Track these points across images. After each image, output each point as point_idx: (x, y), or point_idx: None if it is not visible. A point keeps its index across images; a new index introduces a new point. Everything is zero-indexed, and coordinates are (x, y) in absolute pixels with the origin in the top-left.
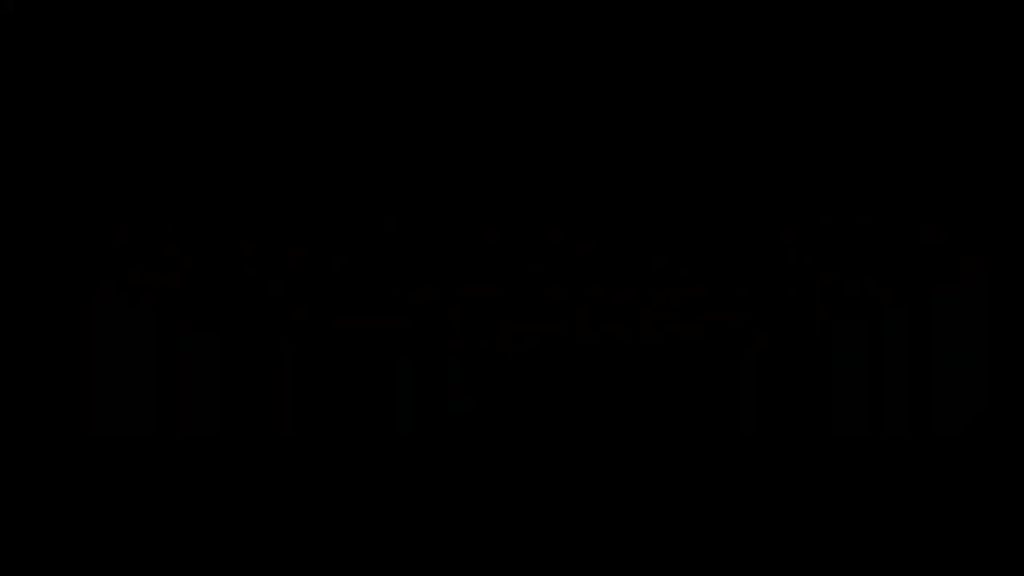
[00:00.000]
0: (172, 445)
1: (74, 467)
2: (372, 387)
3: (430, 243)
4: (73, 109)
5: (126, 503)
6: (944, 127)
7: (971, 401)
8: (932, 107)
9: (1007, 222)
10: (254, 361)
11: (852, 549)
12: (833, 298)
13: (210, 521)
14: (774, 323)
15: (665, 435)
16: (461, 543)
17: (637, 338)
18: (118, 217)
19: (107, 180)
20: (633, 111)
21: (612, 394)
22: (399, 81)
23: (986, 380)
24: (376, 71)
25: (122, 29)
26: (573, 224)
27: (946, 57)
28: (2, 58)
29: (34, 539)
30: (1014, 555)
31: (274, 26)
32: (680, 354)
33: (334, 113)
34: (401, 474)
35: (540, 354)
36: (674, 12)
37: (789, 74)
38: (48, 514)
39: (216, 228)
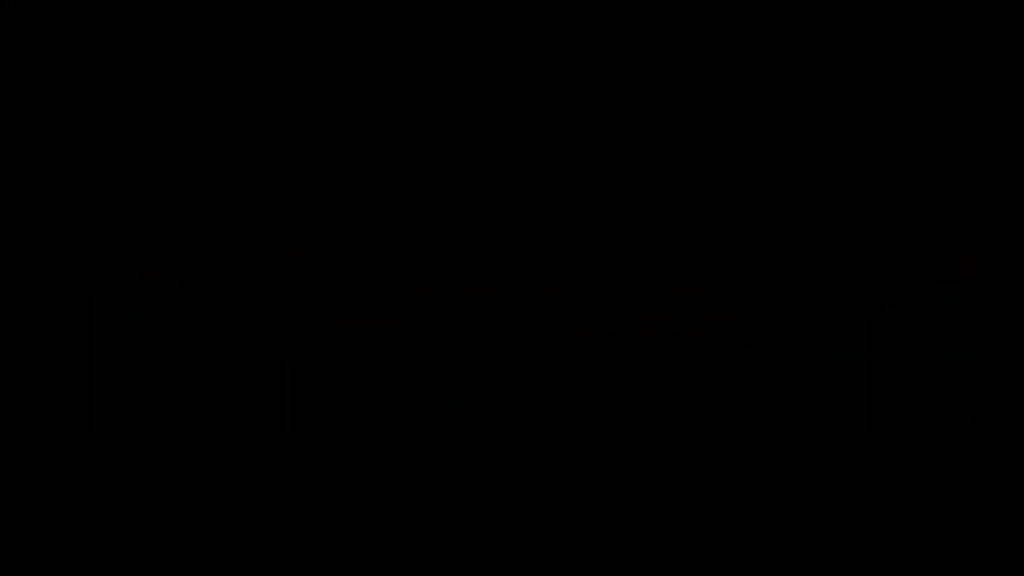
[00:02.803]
0: (172, 445)
1: (74, 467)
2: (372, 387)
3: (430, 243)
4: (73, 109)
5: (126, 503)
6: (944, 127)
7: (971, 401)
8: (932, 107)
9: (1007, 222)
10: (254, 361)
11: (852, 549)
12: (833, 298)
13: (210, 521)
14: (774, 323)
15: (665, 435)
16: (461, 543)
17: (637, 338)
18: (118, 217)
19: (107, 180)
20: (633, 111)
21: (612, 394)
22: (399, 81)
23: (986, 380)
24: (376, 71)
25: (122, 29)
26: (573, 224)
27: (946, 57)
28: (2, 58)
29: (34, 539)
30: (1014, 555)
31: (274, 26)
32: (680, 354)
33: (334, 113)
34: (401, 474)
35: (540, 354)
36: (674, 12)
37: (789, 74)
38: (48, 514)
39: (216, 228)
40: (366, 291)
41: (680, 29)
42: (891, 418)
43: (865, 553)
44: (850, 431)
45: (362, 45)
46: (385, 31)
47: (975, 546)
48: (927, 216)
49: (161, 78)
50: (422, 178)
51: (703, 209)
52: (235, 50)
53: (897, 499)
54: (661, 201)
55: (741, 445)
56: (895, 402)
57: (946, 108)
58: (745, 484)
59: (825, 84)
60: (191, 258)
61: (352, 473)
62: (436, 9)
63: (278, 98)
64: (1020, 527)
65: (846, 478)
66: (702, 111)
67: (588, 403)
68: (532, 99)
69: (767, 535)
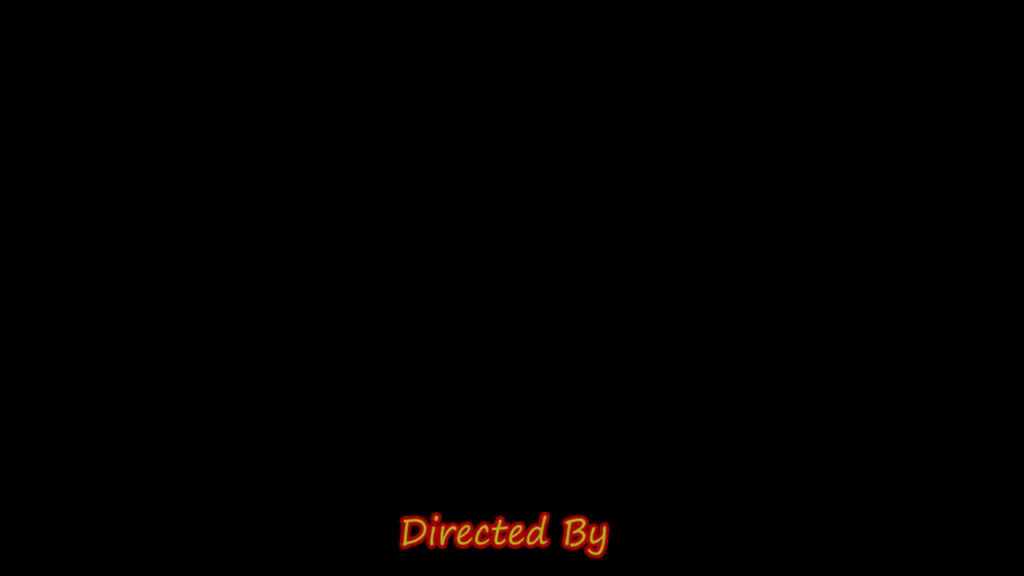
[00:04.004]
0: (172, 445)
1: (74, 467)
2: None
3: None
4: (72, 109)
5: (126, 503)
6: (943, 126)
7: (971, 401)
8: (931, 106)
9: (1007, 222)
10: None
11: (852, 549)
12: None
13: (210, 521)
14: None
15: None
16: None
17: None
18: None
19: (106, 179)
20: (632, 110)
21: None
22: (398, 81)
23: (986, 380)
24: (376, 71)
25: (121, 29)
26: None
27: (946, 57)
28: (2, 58)
29: (34, 539)
30: (1014, 555)
31: (273, 26)
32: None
33: (333, 112)
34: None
35: None
36: (673, 11)
37: (788, 74)
38: (48, 514)
39: None
40: None
41: (679, 28)
42: (891, 418)
43: (865, 553)
44: (850, 431)
45: (361, 44)
46: (384, 30)
47: (975, 546)
48: (926, 216)
49: (160, 78)
50: (422, 177)
51: (703, 209)
52: (234, 49)
53: (897, 499)
54: (661, 201)
55: (740, 445)
56: (895, 402)
57: (945, 107)
58: (745, 484)
59: (824, 83)
60: None
61: (352, 473)
62: (435, 8)
63: (277, 97)
64: (1020, 527)
65: (846, 478)
66: (701, 110)
67: None
68: (531, 99)
69: (767, 535)
